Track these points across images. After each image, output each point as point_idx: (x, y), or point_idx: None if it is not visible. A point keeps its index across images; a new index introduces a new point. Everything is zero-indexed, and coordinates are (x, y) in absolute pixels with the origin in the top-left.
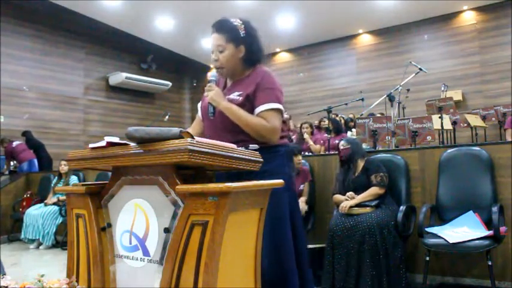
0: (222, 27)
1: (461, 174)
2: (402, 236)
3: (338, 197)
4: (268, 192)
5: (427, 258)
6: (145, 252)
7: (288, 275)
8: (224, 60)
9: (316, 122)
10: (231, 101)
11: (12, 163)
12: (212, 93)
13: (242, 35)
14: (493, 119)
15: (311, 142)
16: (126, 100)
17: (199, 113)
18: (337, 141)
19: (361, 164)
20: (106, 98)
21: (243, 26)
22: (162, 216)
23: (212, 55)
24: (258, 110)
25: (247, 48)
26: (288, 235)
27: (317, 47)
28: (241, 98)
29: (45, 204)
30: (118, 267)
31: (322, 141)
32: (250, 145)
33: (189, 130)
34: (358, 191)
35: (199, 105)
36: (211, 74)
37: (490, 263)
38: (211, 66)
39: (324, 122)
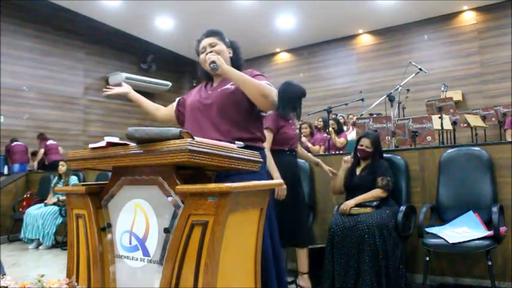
0: (212, 32)
1: (461, 174)
2: (402, 236)
3: (338, 181)
4: (268, 192)
5: (427, 259)
6: (145, 253)
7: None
8: (218, 50)
9: (315, 122)
10: (224, 90)
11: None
12: (217, 56)
13: (228, 42)
14: (493, 119)
15: (309, 144)
16: (126, 100)
17: (175, 105)
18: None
19: (370, 162)
20: (106, 98)
21: (227, 39)
22: (162, 216)
23: (203, 54)
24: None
25: (234, 52)
26: (267, 242)
27: (317, 47)
28: (233, 87)
29: (45, 205)
30: (118, 267)
31: (322, 142)
32: (236, 142)
33: (160, 109)
34: (361, 190)
35: (178, 98)
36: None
37: (490, 263)
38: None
39: (320, 122)
